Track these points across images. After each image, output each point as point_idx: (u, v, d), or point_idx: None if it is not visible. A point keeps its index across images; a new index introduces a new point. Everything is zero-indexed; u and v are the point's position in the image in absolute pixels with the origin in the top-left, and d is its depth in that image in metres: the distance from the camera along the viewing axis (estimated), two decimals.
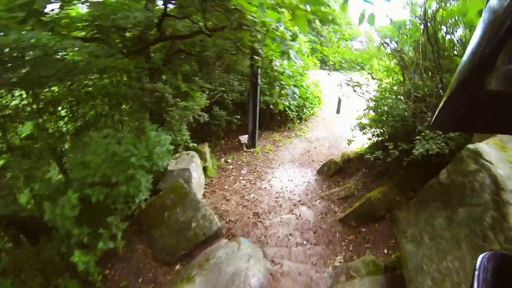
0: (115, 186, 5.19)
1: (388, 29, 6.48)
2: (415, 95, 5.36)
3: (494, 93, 0.46)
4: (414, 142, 4.85)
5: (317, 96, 13.15)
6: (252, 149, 9.50)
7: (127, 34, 7.39)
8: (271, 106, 9.73)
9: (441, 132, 4.64)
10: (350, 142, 7.30)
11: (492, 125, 0.71)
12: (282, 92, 8.63)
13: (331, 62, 7.32)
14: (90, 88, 7.26)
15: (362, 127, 7.09)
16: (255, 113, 9.12)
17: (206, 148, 8.39)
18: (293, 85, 9.61)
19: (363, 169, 7.17)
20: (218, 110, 9.57)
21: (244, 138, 9.83)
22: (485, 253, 0.66)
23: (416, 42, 5.77)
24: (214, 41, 7.90)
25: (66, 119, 7.13)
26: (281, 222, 6.09)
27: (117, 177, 5.14)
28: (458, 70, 0.52)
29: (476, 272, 0.63)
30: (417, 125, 5.11)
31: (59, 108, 6.98)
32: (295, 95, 8.39)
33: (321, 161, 8.86)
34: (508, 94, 0.46)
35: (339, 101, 13.44)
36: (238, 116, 9.98)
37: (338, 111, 13.71)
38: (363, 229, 5.61)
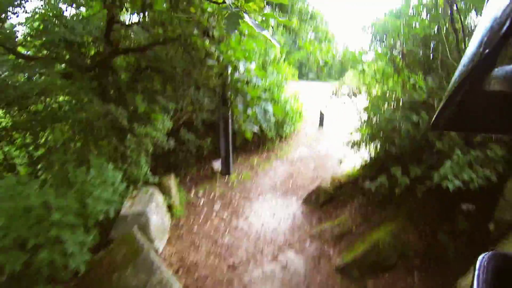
0: (34, 251, 3.81)
1: (384, 21, 5.34)
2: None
3: (494, 94, 0.46)
4: (433, 170, 3.69)
5: (298, 111, 12.06)
6: (226, 177, 8.22)
7: (84, 49, 6.42)
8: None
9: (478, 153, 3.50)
10: (341, 163, 6.16)
11: (492, 126, 0.68)
12: (249, 111, 7.28)
13: (320, 61, 6.11)
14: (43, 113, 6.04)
15: (356, 145, 5.98)
16: (227, 135, 7.88)
17: (171, 181, 7.04)
18: (265, 99, 8.34)
19: (360, 197, 5.98)
20: (186, 133, 8.28)
21: (217, 164, 8.54)
22: (485, 253, 0.63)
23: (426, 32, 4.65)
24: (181, 55, 6.76)
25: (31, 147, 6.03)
26: (263, 277, 4.77)
27: (37, 239, 3.77)
28: (458, 70, 0.51)
29: (476, 273, 0.61)
30: (436, 143, 3.99)
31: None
32: (268, 115, 7.09)
33: (307, 186, 7.68)
34: (508, 94, 0.45)
35: (322, 114, 12.49)
36: (209, 139, 8.70)
37: (321, 125, 12.75)
38: (370, 281, 4.38)
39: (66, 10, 6.12)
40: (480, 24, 0.46)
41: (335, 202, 6.46)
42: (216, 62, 4.74)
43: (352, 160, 6.74)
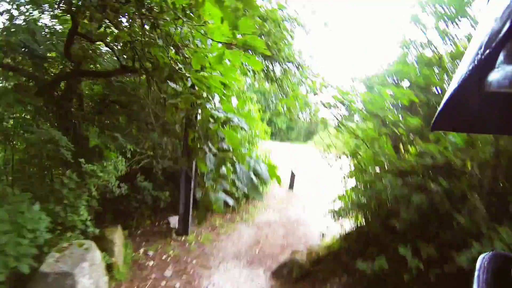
0: None
1: (381, 74, 4.88)
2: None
3: (494, 94, 0.44)
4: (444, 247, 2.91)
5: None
6: (183, 237, 6.96)
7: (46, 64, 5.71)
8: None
9: None
10: (324, 236, 5.26)
11: (492, 126, 0.69)
12: (223, 168, 6.21)
13: (322, 105, 5.46)
14: None
15: (340, 214, 5.17)
16: (188, 191, 6.78)
17: (116, 235, 5.70)
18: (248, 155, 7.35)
19: (344, 274, 5.00)
20: (142, 180, 7.15)
21: (174, 220, 7.31)
22: (485, 253, 0.62)
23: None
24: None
25: None
26: None
27: None
28: (458, 70, 0.49)
29: (476, 273, 0.59)
30: (456, 217, 3.24)
31: None
32: (254, 177, 5.30)
33: (276, 256, 6.61)
34: (508, 94, 0.44)
35: (292, 176, 11.86)
36: (168, 191, 7.57)
37: (291, 187, 12.09)
38: None
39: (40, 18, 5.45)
40: (481, 25, 0.46)
41: (312, 278, 5.41)
42: (179, 87, 3.56)
43: (329, 228, 5.92)
